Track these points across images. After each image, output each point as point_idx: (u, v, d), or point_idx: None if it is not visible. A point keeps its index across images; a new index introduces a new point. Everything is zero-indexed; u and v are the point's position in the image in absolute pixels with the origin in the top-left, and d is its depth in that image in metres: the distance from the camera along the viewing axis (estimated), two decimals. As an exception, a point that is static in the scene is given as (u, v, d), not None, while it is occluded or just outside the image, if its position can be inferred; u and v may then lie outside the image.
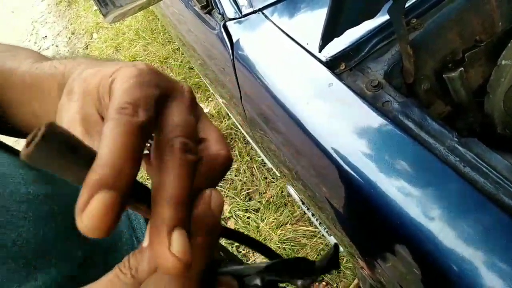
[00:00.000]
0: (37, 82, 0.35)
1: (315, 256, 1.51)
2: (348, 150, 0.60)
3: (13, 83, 0.38)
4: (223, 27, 0.92)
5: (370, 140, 0.58)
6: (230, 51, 0.89)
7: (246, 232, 1.62)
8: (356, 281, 1.35)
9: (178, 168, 0.20)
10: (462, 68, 0.65)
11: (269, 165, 1.61)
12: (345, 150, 0.61)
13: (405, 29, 0.59)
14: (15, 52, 0.42)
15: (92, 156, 0.17)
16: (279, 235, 1.60)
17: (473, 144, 0.53)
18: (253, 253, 1.62)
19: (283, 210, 1.68)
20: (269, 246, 1.59)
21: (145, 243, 0.21)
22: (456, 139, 0.54)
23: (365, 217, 0.61)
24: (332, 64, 0.69)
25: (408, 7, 0.69)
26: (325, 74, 0.68)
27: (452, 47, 0.66)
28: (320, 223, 1.20)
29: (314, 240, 1.55)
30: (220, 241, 0.24)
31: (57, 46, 3.50)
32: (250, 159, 1.89)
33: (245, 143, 1.96)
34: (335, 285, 1.43)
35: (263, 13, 0.86)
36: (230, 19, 0.91)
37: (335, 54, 0.69)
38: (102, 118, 0.24)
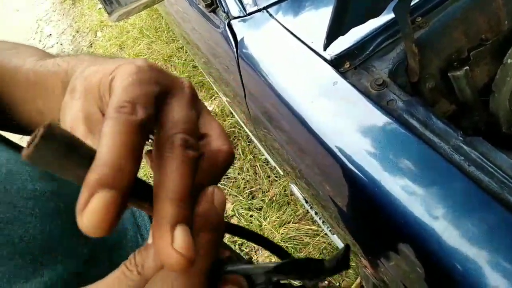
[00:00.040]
0: (41, 80, 0.35)
1: (318, 255, 1.52)
2: (352, 149, 0.60)
3: (18, 81, 0.38)
4: (227, 25, 0.92)
5: (375, 138, 0.58)
6: (235, 49, 0.89)
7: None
8: (358, 280, 1.35)
9: (179, 165, 0.20)
10: (467, 67, 0.65)
11: (272, 163, 1.61)
12: (349, 148, 0.60)
13: (410, 27, 0.59)
14: (20, 50, 0.42)
15: (92, 156, 0.17)
16: (281, 233, 1.61)
17: (478, 143, 0.53)
18: (255, 251, 1.62)
19: (286, 209, 1.68)
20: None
21: (150, 240, 0.21)
22: (461, 138, 0.54)
23: (369, 216, 0.61)
24: (336, 63, 0.69)
25: (414, 5, 0.69)
26: (330, 72, 0.68)
27: (458, 45, 0.66)
28: (323, 222, 1.20)
29: (316, 239, 1.55)
30: (224, 240, 0.24)
31: (61, 44, 3.51)
32: (253, 157, 1.90)
33: (248, 142, 1.96)
34: (338, 284, 1.43)
35: (267, 12, 0.86)
36: (235, 18, 0.91)
37: (340, 53, 0.69)
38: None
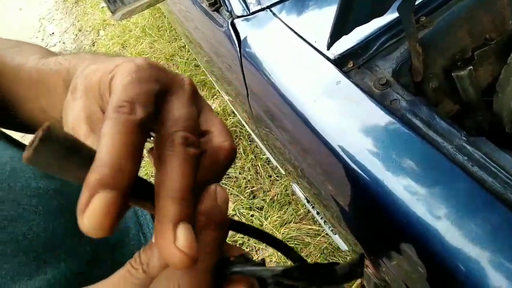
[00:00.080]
0: (43, 78, 0.35)
1: (319, 255, 1.51)
2: (355, 148, 0.60)
3: (20, 79, 0.38)
4: (230, 24, 0.92)
5: (378, 138, 0.58)
6: (238, 48, 0.89)
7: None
8: (359, 280, 1.35)
9: (180, 163, 0.20)
10: (471, 67, 0.65)
11: (274, 163, 1.61)
12: (352, 148, 0.60)
13: (414, 27, 0.59)
14: (23, 48, 0.42)
15: (92, 156, 0.17)
16: (282, 233, 1.60)
17: (481, 143, 0.53)
18: (256, 251, 1.62)
19: (287, 209, 1.68)
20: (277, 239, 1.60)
21: (154, 238, 0.21)
22: (464, 138, 0.54)
23: (372, 216, 0.61)
24: (340, 62, 0.68)
25: (418, 5, 0.68)
26: (333, 72, 0.68)
27: (462, 45, 0.66)
28: (324, 222, 1.20)
29: (318, 239, 1.55)
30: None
31: (64, 43, 3.52)
32: (255, 157, 1.89)
33: (250, 141, 1.96)
34: (339, 284, 1.43)
35: (271, 11, 0.85)
36: (238, 17, 0.91)
37: (343, 52, 0.69)
38: None
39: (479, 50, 0.66)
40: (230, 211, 1.76)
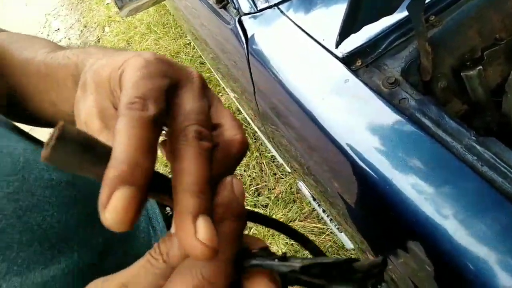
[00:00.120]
0: (52, 72, 0.35)
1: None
2: (363, 147, 0.60)
3: (30, 73, 0.38)
4: (238, 22, 0.92)
5: (386, 137, 0.58)
6: (245, 46, 0.89)
7: (254, 228, 1.63)
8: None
9: (195, 157, 0.20)
10: (480, 67, 0.65)
11: (280, 160, 1.61)
12: (360, 146, 0.60)
13: (424, 26, 0.59)
14: (31, 42, 0.43)
15: (108, 153, 0.18)
16: (287, 231, 1.61)
17: (491, 143, 0.53)
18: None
19: (291, 207, 1.68)
20: (278, 241, 1.58)
21: (173, 229, 0.21)
22: (474, 137, 0.54)
23: (379, 214, 0.61)
24: (348, 60, 0.68)
25: (427, 3, 0.68)
26: (341, 70, 0.68)
27: (471, 44, 0.66)
28: (330, 220, 1.20)
29: (322, 237, 1.55)
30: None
31: (69, 39, 3.53)
32: (260, 154, 1.90)
33: (254, 139, 1.96)
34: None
35: (278, 8, 0.85)
36: (245, 14, 0.91)
37: (352, 50, 0.69)
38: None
39: (489, 50, 0.66)
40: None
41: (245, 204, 0.22)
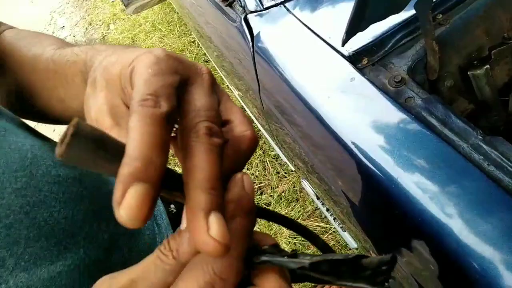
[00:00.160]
0: (60, 69, 0.35)
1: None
2: (369, 145, 0.60)
3: (38, 70, 0.39)
4: (244, 19, 0.92)
5: (392, 135, 0.58)
6: (251, 44, 0.89)
7: (256, 226, 1.63)
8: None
9: (206, 153, 0.20)
10: (488, 66, 0.64)
11: (283, 159, 1.61)
12: (366, 145, 0.60)
13: (431, 24, 0.58)
14: (39, 38, 0.43)
15: (122, 149, 0.18)
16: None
17: (498, 143, 0.52)
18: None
19: (294, 205, 1.68)
20: (281, 239, 1.58)
21: (183, 225, 0.21)
22: (480, 137, 0.54)
23: (384, 212, 0.61)
24: (354, 59, 0.68)
25: (435, 2, 0.68)
26: (347, 68, 0.68)
27: (479, 43, 0.65)
28: (334, 218, 1.20)
29: (325, 236, 1.55)
30: None
31: (74, 36, 3.54)
32: (263, 153, 1.90)
33: (258, 137, 1.96)
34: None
35: (285, 6, 0.85)
36: (251, 12, 0.91)
37: (358, 49, 0.68)
38: (128, 107, 0.25)
39: (496, 49, 0.66)
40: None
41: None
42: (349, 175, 0.67)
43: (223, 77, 1.89)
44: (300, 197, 1.70)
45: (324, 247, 0.27)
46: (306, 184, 1.25)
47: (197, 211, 0.19)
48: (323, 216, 1.59)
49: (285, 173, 1.79)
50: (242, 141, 0.24)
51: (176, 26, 2.89)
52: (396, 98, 0.61)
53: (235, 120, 0.25)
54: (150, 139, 0.18)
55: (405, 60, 0.66)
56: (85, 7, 3.86)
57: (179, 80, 0.22)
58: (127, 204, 0.17)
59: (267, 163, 1.86)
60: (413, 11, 0.65)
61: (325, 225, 1.57)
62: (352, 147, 0.62)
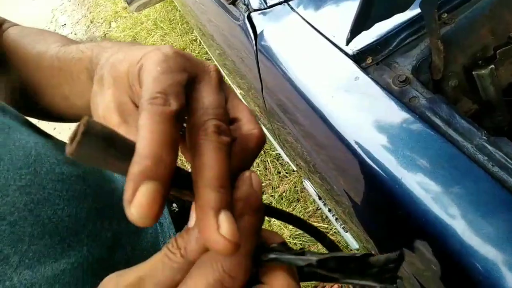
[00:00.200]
0: (65, 66, 0.35)
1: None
2: (372, 145, 0.60)
3: (42, 67, 0.38)
4: (247, 18, 0.92)
5: (396, 135, 0.58)
6: (254, 42, 0.88)
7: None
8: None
9: (215, 151, 0.20)
10: (493, 66, 0.64)
11: (285, 158, 1.61)
12: (369, 144, 0.60)
13: (437, 24, 0.58)
14: (43, 36, 0.43)
15: (132, 147, 0.18)
16: (290, 230, 1.61)
17: (502, 143, 0.52)
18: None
19: (295, 205, 1.68)
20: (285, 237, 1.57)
21: (191, 223, 0.21)
22: (485, 137, 0.53)
23: (387, 212, 0.60)
24: (358, 58, 0.68)
25: (440, 1, 0.67)
26: (352, 67, 0.67)
27: (484, 43, 0.65)
28: (336, 219, 1.20)
29: (326, 235, 1.55)
30: None
31: (75, 34, 3.54)
32: (264, 152, 1.89)
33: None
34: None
35: (288, 5, 0.85)
36: (255, 10, 0.91)
37: (362, 48, 0.68)
38: (136, 105, 0.25)
39: (502, 49, 0.65)
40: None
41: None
42: (352, 175, 0.67)
43: (225, 75, 1.89)
44: (301, 197, 1.70)
45: (330, 245, 0.27)
46: (308, 184, 1.25)
47: (206, 209, 0.19)
48: (324, 217, 1.59)
49: (286, 173, 1.79)
50: (250, 139, 0.24)
51: (178, 24, 2.89)
52: (400, 98, 0.61)
53: (243, 118, 0.25)
54: (160, 137, 0.18)
55: (409, 59, 0.66)
56: (86, 4, 3.86)
57: (187, 78, 0.22)
58: (138, 202, 0.17)
59: (269, 163, 1.85)
60: (418, 10, 0.64)
61: (326, 226, 1.57)
62: (356, 146, 0.62)
